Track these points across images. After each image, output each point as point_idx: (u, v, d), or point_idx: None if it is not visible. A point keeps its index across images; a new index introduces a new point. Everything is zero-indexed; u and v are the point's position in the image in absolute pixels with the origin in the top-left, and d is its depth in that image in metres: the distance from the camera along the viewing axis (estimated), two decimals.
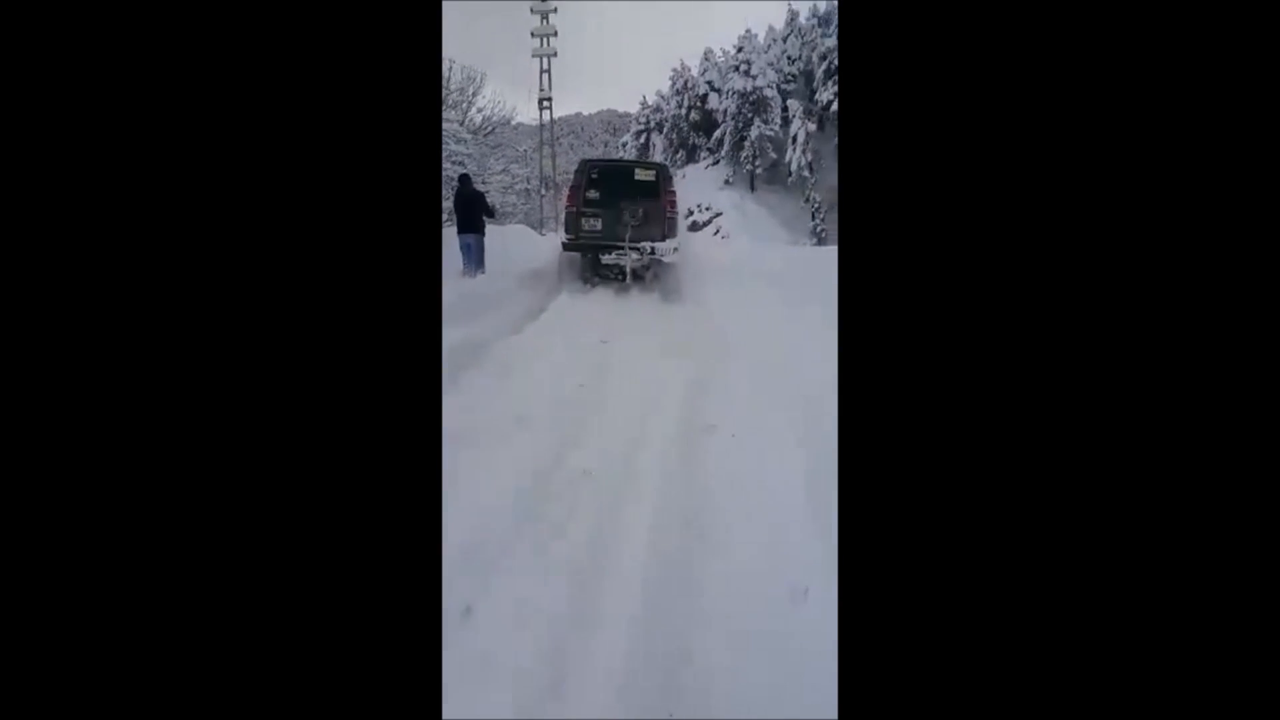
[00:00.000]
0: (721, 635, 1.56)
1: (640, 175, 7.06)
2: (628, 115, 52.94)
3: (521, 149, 17.06)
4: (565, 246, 6.92)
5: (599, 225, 6.74)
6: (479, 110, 16.54)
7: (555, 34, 13.81)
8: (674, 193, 7.06)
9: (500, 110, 16.53)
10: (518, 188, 17.82)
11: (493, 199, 8.73)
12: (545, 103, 14.52)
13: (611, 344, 4.38)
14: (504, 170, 17.35)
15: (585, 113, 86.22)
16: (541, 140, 15.00)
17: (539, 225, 15.40)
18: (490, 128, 16.78)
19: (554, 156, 15.57)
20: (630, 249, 6.57)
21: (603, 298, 6.36)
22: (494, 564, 1.80)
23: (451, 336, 3.88)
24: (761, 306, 5.37)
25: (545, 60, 14.13)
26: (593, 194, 6.82)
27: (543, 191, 15.73)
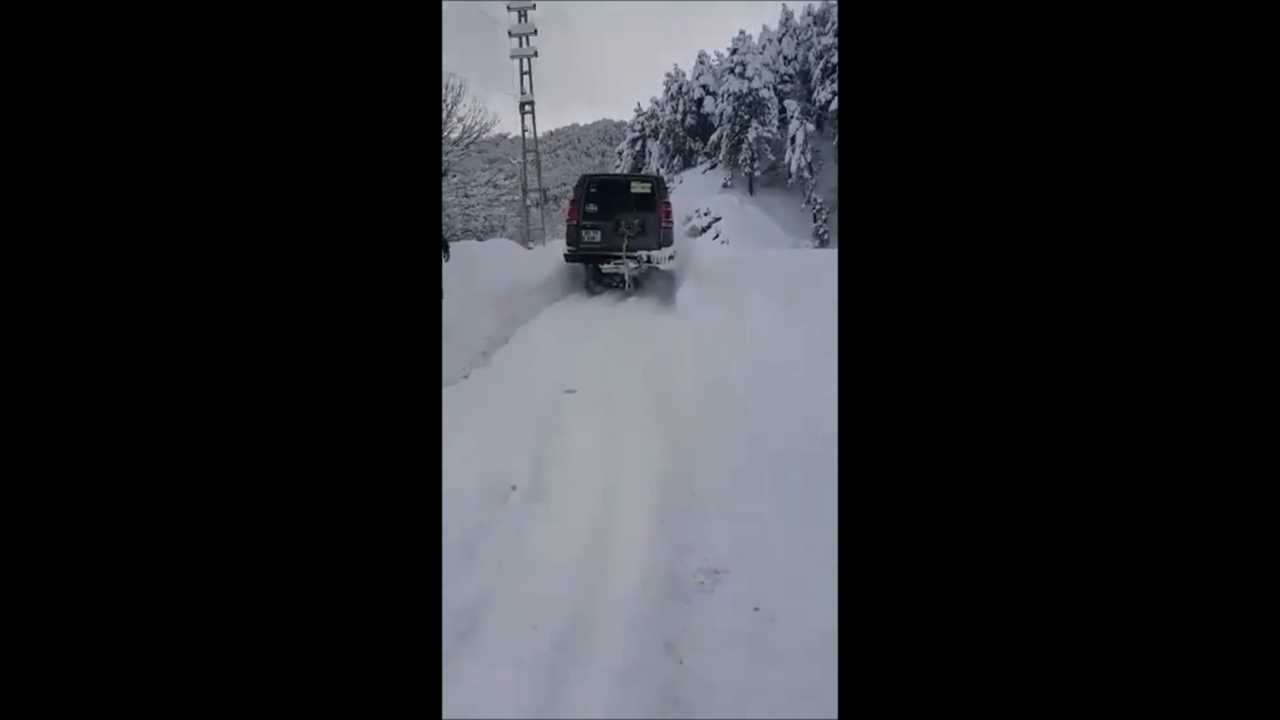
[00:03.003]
0: None
1: (636, 188, 7.55)
2: (624, 124, 52.26)
3: (515, 161, 16.16)
4: (567, 257, 7.35)
5: (598, 236, 7.15)
6: (459, 120, 15.62)
7: (534, 32, 12.79)
8: (669, 203, 7.47)
9: (481, 119, 15.62)
10: (504, 199, 16.88)
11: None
12: (527, 107, 13.46)
13: (579, 393, 3.33)
14: (489, 182, 16.42)
15: (581, 124, 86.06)
16: (524, 147, 13.96)
17: (528, 239, 14.35)
18: (472, 137, 15.87)
19: (539, 165, 14.51)
20: (628, 258, 6.93)
21: (575, 322, 5.34)
22: None
23: None
24: (767, 328, 4.31)
25: (524, 61, 13.10)
26: (591, 207, 7.23)
27: (527, 203, 14.66)
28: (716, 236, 30.00)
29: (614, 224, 7.07)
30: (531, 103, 13.40)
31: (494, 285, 6.11)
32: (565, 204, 8.19)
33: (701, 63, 38.66)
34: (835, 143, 30.56)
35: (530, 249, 11.54)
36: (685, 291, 6.49)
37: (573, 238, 7.30)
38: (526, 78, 13.10)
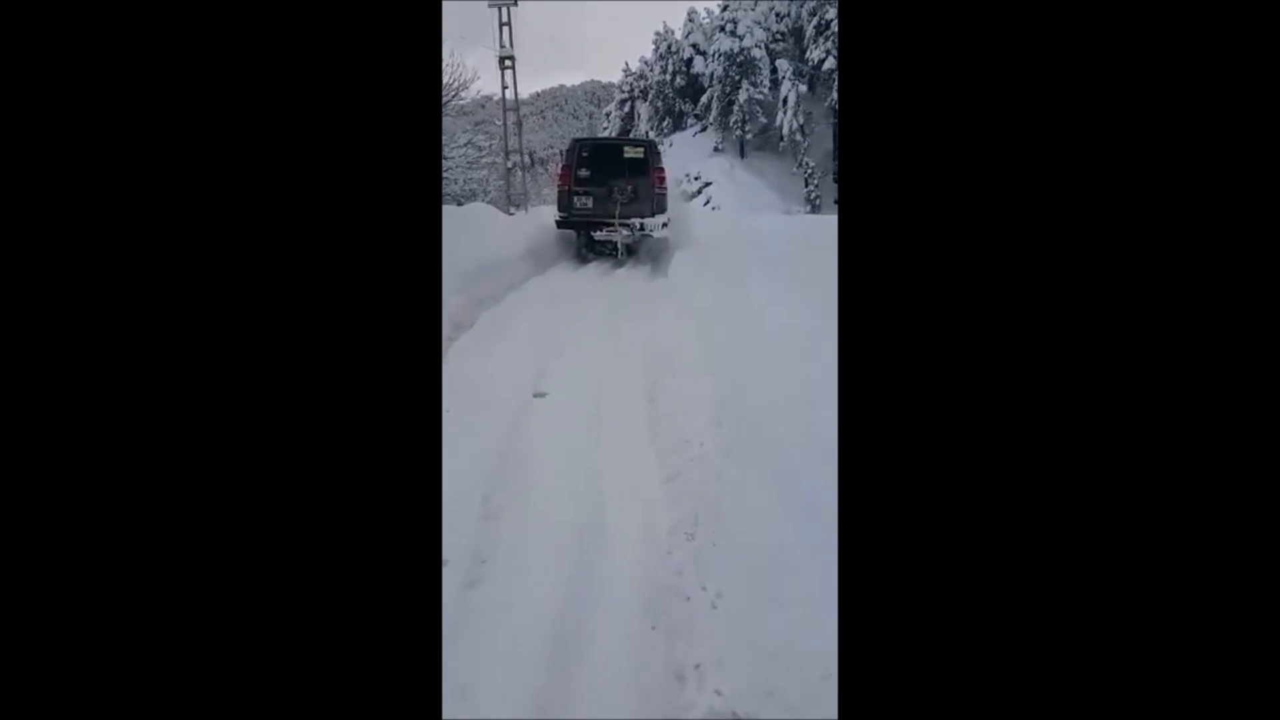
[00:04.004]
0: None
1: (629, 153, 7.29)
2: (612, 85, 50.71)
3: (499, 123, 15.29)
4: (559, 224, 7.17)
5: (590, 203, 6.97)
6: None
7: None
8: (662, 169, 7.25)
9: (459, 74, 14.68)
10: (484, 162, 16.00)
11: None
12: (507, 61, 12.53)
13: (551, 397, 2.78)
14: (468, 144, 15.54)
15: (568, 85, 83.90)
16: (505, 105, 13.07)
17: (511, 204, 13.57)
18: (450, 95, 14.97)
19: (520, 125, 13.62)
20: (620, 225, 6.77)
21: (554, 302, 4.76)
22: None
23: None
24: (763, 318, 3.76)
25: (503, 10, 12.13)
26: (584, 172, 7.01)
27: (509, 165, 13.79)
28: (708, 202, 29.23)
29: (606, 190, 6.92)
30: (512, 57, 12.44)
31: (466, 258, 5.48)
32: (552, 168, 8.45)
33: (691, 20, 37.29)
34: (828, 105, 29.66)
35: (511, 215, 10.82)
36: (680, 264, 6.00)
37: (564, 204, 7.14)
38: (506, 29, 12.16)
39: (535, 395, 2.77)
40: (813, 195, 30.15)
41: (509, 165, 13.85)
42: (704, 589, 1.47)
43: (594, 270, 6.86)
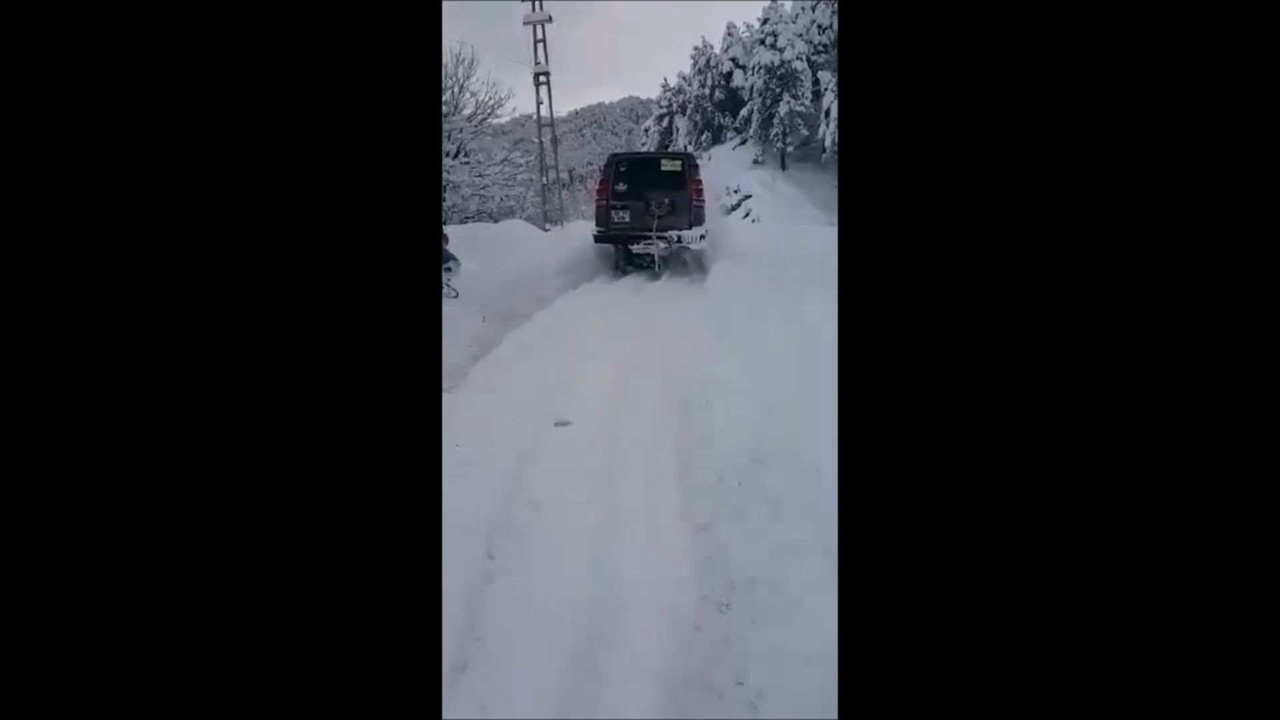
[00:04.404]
0: None
1: (666, 166, 7.29)
2: (650, 101, 51.03)
3: (536, 140, 15.36)
4: (596, 238, 7.24)
5: (628, 217, 6.95)
6: (471, 94, 14.80)
7: None
8: (700, 181, 7.18)
9: (495, 94, 14.78)
10: (521, 179, 16.04)
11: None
12: (542, 77, 12.49)
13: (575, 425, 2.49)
14: (504, 160, 15.59)
15: (607, 101, 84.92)
16: (539, 121, 13.03)
17: (548, 220, 13.51)
18: (486, 113, 15.07)
19: (555, 142, 13.58)
20: (658, 238, 6.74)
21: (581, 324, 4.52)
22: None
23: None
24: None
25: (539, 27, 12.10)
26: (621, 187, 7.02)
27: (544, 182, 13.74)
28: (747, 215, 28.93)
29: (643, 203, 6.90)
30: (547, 73, 12.42)
31: (495, 275, 5.35)
32: (590, 185, 8.78)
33: (730, 35, 37.28)
34: None
35: (547, 231, 10.71)
36: (718, 277, 5.77)
37: (602, 218, 7.19)
38: (541, 46, 12.13)
39: (557, 424, 2.52)
40: None
41: (544, 182, 13.81)
42: (740, 684, 1.14)
43: (628, 285, 6.64)
